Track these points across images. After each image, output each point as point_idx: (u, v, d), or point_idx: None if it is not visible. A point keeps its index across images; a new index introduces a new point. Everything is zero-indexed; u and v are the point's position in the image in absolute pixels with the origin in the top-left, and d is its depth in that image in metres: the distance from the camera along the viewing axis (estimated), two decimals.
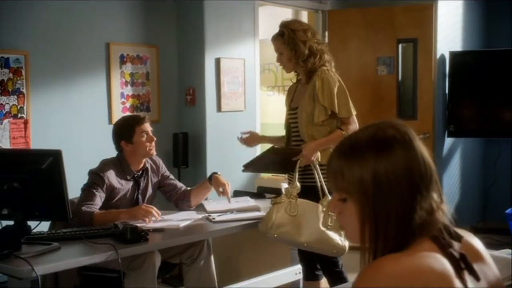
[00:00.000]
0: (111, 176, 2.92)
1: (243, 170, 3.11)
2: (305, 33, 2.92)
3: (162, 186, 3.18)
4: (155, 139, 3.03)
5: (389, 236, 1.07)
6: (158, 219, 2.80)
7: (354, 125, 2.98)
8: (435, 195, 1.10)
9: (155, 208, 2.80)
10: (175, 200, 3.19)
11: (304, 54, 2.91)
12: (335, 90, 2.93)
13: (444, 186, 5.24)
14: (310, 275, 3.14)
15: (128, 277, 2.68)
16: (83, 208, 2.76)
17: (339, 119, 2.97)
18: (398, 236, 1.07)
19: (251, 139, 3.26)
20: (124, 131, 2.99)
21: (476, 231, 4.88)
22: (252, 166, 3.06)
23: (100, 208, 2.83)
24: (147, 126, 3.02)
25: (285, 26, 2.95)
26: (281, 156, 2.98)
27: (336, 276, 2.98)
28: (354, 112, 2.98)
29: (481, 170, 5.73)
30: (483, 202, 5.67)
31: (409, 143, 1.10)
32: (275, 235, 2.71)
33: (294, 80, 3.16)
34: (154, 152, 3.03)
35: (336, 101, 2.92)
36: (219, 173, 3.13)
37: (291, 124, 3.07)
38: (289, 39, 2.91)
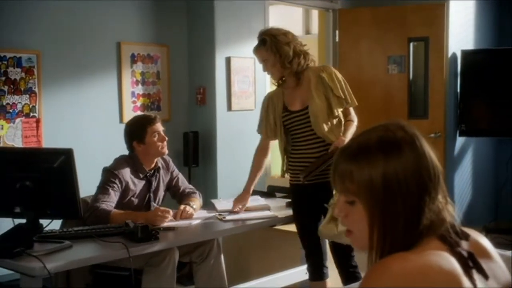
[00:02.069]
0: (126, 175, 2.94)
1: (304, 177, 2.95)
2: (286, 36, 2.95)
3: (170, 186, 3.20)
4: (167, 138, 3.04)
5: (397, 237, 1.07)
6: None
7: (355, 115, 3.04)
8: (440, 196, 1.10)
9: (170, 212, 2.83)
10: (177, 200, 3.22)
11: (289, 55, 2.92)
12: (341, 78, 2.99)
13: (456, 186, 5.21)
14: (316, 275, 3.12)
15: (147, 273, 2.70)
16: (100, 205, 2.78)
17: (344, 110, 3.01)
18: (406, 237, 1.07)
19: (243, 203, 3.14)
20: (136, 132, 3.00)
21: (488, 231, 4.85)
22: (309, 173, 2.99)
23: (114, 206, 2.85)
24: (159, 126, 3.03)
25: (265, 34, 2.98)
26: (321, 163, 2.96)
27: (350, 272, 2.97)
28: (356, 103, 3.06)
29: (493, 170, 5.69)
30: (495, 201, 5.62)
31: (417, 144, 1.10)
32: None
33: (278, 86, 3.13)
34: (166, 151, 3.05)
35: (346, 90, 2.98)
36: (192, 206, 3.04)
37: (289, 128, 3.04)
38: (271, 45, 2.93)
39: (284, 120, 3.04)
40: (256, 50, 3.02)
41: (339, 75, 3.00)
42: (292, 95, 3.03)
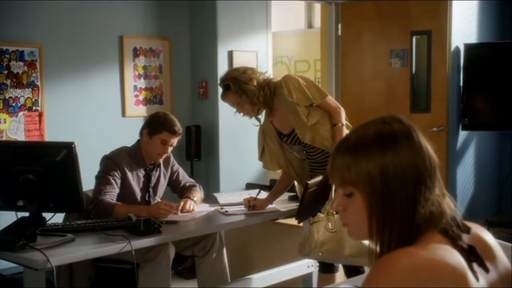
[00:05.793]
0: (125, 163, 2.95)
1: (299, 222, 2.96)
2: (246, 73, 2.97)
3: (170, 181, 3.20)
4: (168, 153, 3.04)
5: (395, 228, 1.08)
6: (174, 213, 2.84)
7: (334, 103, 3.00)
8: (437, 189, 1.11)
9: (173, 205, 2.83)
10: (178, 195, 3.23)
11: (254, 91, 2.94)
12: (300, 84, 2.95)
13: (458, 180, 5.20)
14: (326, 267, 3.14)
15: (142, 269, 2.71)
16: (103, 197, 2.79)
17: (323, 109, 2.98)
18: (404, 228, 1.08)
19: (260, 206, 3.10)
20: (154, 125, 3.00)
21: (490, 225, 4.85)
22: (304, 214, 2.97)
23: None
24: (172, 139, 2.99)
25: (226, 79, 3.00)
26: (318, 187, 2.95)
27: (354, 267, 2.98)
28: (327, 93, 3.01)
29: (496, 164, 5.68)
30: (498, 195, 5.62)
31: (414, 135, 1.12)
32: (320, 254, 2.71)
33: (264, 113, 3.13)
34: (159, 161, 3.06)
35: (308, 92, 2.94)
36: (193, 198, 3.05)
37: (293, 145, 3.08)
38: (236, 88, 2.95)
39: (286, 141, 3.09)
40: (224, 97, 3.05)
41: (294, 80, 2.96)
42: (277, 121, 3.07)
